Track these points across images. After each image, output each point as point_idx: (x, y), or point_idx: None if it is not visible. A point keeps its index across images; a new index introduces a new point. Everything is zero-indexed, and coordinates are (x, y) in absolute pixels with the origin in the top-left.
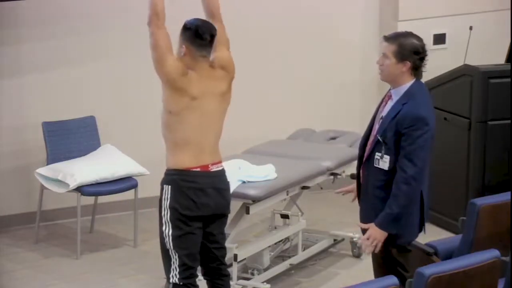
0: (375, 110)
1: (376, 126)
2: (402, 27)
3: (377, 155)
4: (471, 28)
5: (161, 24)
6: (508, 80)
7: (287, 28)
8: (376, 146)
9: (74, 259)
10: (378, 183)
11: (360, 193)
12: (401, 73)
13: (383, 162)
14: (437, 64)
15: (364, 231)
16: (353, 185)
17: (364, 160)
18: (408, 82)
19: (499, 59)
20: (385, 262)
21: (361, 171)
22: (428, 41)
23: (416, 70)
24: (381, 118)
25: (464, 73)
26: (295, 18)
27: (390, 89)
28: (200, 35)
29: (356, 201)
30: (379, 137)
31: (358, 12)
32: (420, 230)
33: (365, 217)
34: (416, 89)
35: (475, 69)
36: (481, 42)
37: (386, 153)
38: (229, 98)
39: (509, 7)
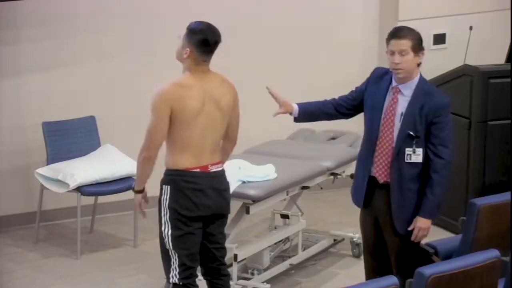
0: (374, 108)
1: (397, 123)
2: None
3: (408, 150)
4: (471, 28)
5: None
6: (508, 80)
7: (287, 28)
8: (405, 142)
9: (74, 259)
10: (412, 177)
11: (390, 191)
12: (416, 66)
13: (416, 155)
14: (437, 64)
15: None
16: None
17: (393, 158)
18: (417, 75)
19: (499, 59)
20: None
21: (381, 170)
22: (428, 41)
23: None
24: (402, 114)
25: (464, 73)
26: (295, 18)
27: (392, 84)
28: (208, 43)
29: (354, 201)
30: (411, 133)
31: (358, 12)
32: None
33: (404, 212)
34: (426, 81)
35: (475, 69)
36: (481, 42)
37: (417, 147)
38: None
39: (509, 7)
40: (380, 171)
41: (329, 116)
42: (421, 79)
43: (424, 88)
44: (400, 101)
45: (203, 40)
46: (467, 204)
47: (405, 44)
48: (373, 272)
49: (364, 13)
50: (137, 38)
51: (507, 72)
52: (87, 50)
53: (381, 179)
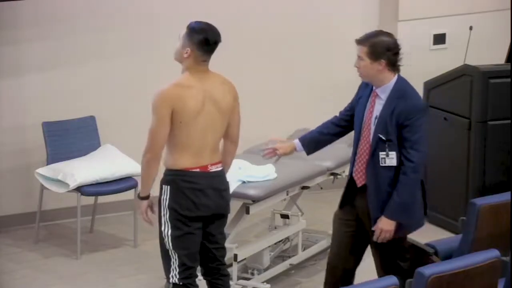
0: (357, 110)
1: (372, 127)
2: (402, 27)
3: (382, 154)
4: (471, 28)
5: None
6: (508, 80)
7: (287, 28)
8: (378, 146)
9: (74, 259)
10: (389, 180)
11: (367, 194)
12: (379, 71)
13: (390, 159)
14: (437, 64)
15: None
16: (289, 144)
17: (367, 162)
18: (392, 79)
19: (499, 59)
20: (382, 254)
21: (359, 173)
22: (428, 41)
23: (394, 66)
24: (376, 117)
25: (464, 73)
26: (295, 18)
27: (371, 89)
28: (208, 42)
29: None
30: (381, 136)
31: (358, 12)
32: (425, 214)
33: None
34: (403, 84)
35: (475, 69)
36: (481, 42)
37: (390, 150)
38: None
39: (509, 7)
40: (359, 174)
41: (336, 136)
42: (398, 82)
43: (398, 92)
44: (377, 105)
45: (204, 40)
46: (467, 204)
47: (360, 50)
48: (332, 273)
49: (364, 13)
50: (137, 38)
51: (507, 72)
52: (87, 50)
53: (359, 183)
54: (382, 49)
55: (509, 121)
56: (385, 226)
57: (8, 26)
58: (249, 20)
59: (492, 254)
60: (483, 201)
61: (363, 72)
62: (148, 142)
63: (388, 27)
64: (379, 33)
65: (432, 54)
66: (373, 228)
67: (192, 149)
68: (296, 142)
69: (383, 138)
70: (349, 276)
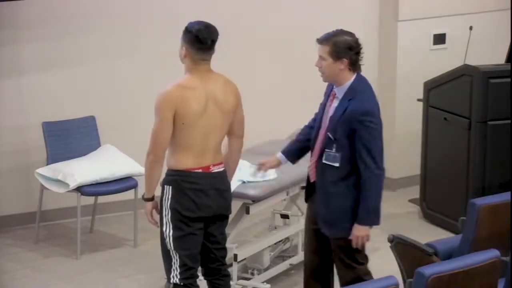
0: (320, 108)
1: (326, 125)
2: (402, 27)
3: (327, 152)
4: (471, 28)
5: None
6: (508, 80)
7: (287, 28)
8: (327, 144)
9: (74, 259)
10: (333, 180)
11: (315, 190)
12: (340, 71)
13: (333, 158)
14: (437, 64)
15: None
16: (274, 158)
17: (317, 159)
18: (350, 79)
19: (499, 59)
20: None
21: (312, 169)
22: (428, 41)
23: (354, 65)
24: (330, 117)
25: (464, 73)
26: (295, 19)
27: (333, 88)
28: (199, 40)
29: None
30: (330, 135)
31: (358, 12)
32: None
33: (326, 214)
34: (358, 84)
35: (475, 69)
36: (481, 42)
37: (337, 151)
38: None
39: (509, 7)
40: (311, 171)
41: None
42: (355, 82)
43: (352, 92)
44: (333, 104)
45: (196, 38)
46: (467, 204)
47: (322, 49)
48: (312, 254)
49: (364, 13)
50: (137, 38)
51: (507, 72)
52: (87, 50)
53: (311, 179)
54: (344, 48)
55: (509, 121)
56: (359, 233)
57: (8, 26)
58: (249, 21)
59: (492, 254)
60: (483, 201)
61: (325, 71)
62: (150, 143)
63: (388, 27)
64: (341, 32)
65: (432, 54)
66: (350, 237)
67: (194, 149)
68: (279, 155)
69: (331, 137)
70: (321, 277)
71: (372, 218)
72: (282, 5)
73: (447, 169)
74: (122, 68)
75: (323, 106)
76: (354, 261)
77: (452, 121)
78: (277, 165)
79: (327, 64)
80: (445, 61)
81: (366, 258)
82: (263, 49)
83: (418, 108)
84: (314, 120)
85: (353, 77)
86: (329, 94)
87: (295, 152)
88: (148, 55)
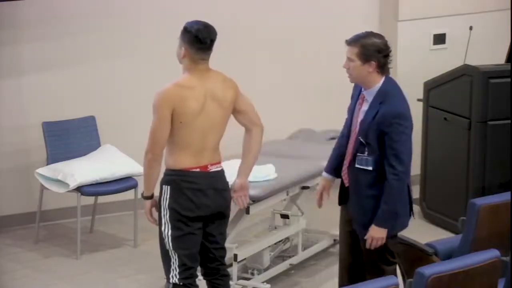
0: (349, 113)
1: (357, 129)
2: (402, 27)
3: (359, 156)
4: (471, 28)
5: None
6: (508, 80)
7: (287, 28)
8: (359, 148)
9: (74, 259)
10: (367, 183)
11: (349, 195)
12: (369, 73)
13: (366, 162)
14: (437, 64)
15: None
16: (324, 182)
17: (349, 163)
18: (379, 82)
19: (499, 59)
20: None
21: (345, 174)
22: (428, 41)
23: (383, 68)
24: (360, 121)
25: (464, 73)
26: (295, 19)
27: (361, 91)
28: (199, 39)
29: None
30: (361, 139)
31: (358, 12)
32: (410, 215)
33: (361, 217)
34: (388, 87)
35: (475, 69)
36: (481, 42)
37: (369, 154)
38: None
39: (509, 7)
40: (345, 175)
41: None
42: (384, 85)
43: (382, 95)
44: (363, 108)
45: (196, 38)
46: (467, 204)
47: (350, 51)
48: (346, 272)
49: (364, 13)
50: (137, 38)
51: (507, 72)
52: (87, 50)
53: (346, 183)
54: (372, 51)
55: (509, 121)
56: (376, 234)
57: (8, 26)
58: (249, 21)
59: (492, 254)
60: (483, 201)
61: (353, 73)
62: (149, 142)
63: (388, 27)
64: (370, 34)
65: (432, 54)
66: (365, 237)
67: (192, 149)
68: (325, 175)
69: (363, 141)
70: (358, 270)
71: (390, 222)
72: (282, 5)
73: (447, 169)
74: (122, 68)
75: (351, 111)
76: (384, 262)
77: (452, 121)
78: (330, 185)
79: (354, 65)
80: (445, 61)
81: (394, 261)
82: (263, 49)
83: (418, 108)
84: (345, 127)
85: (382, 79)
86: (357, 97)
87: (338, 167)
88: (148, 55)
